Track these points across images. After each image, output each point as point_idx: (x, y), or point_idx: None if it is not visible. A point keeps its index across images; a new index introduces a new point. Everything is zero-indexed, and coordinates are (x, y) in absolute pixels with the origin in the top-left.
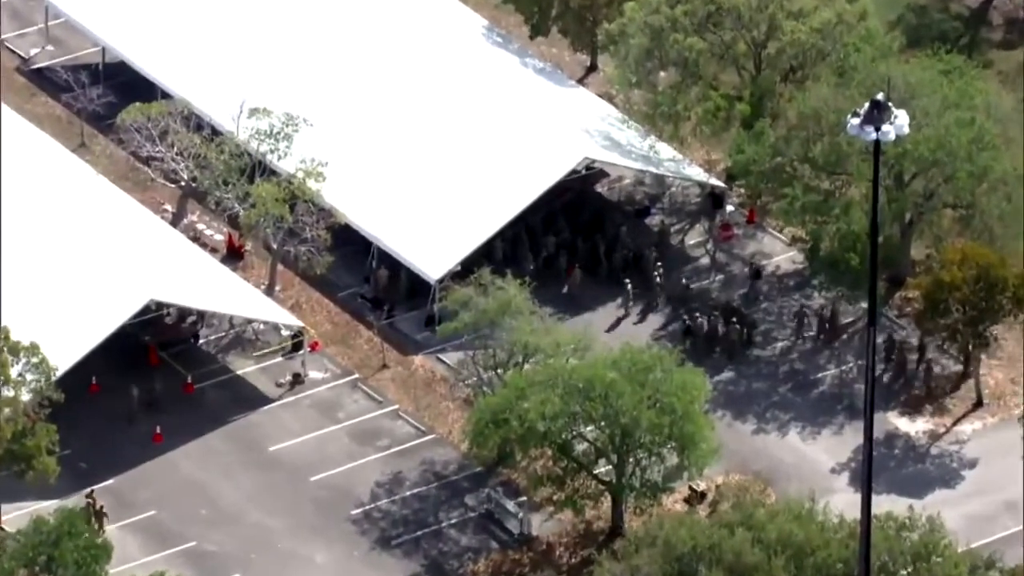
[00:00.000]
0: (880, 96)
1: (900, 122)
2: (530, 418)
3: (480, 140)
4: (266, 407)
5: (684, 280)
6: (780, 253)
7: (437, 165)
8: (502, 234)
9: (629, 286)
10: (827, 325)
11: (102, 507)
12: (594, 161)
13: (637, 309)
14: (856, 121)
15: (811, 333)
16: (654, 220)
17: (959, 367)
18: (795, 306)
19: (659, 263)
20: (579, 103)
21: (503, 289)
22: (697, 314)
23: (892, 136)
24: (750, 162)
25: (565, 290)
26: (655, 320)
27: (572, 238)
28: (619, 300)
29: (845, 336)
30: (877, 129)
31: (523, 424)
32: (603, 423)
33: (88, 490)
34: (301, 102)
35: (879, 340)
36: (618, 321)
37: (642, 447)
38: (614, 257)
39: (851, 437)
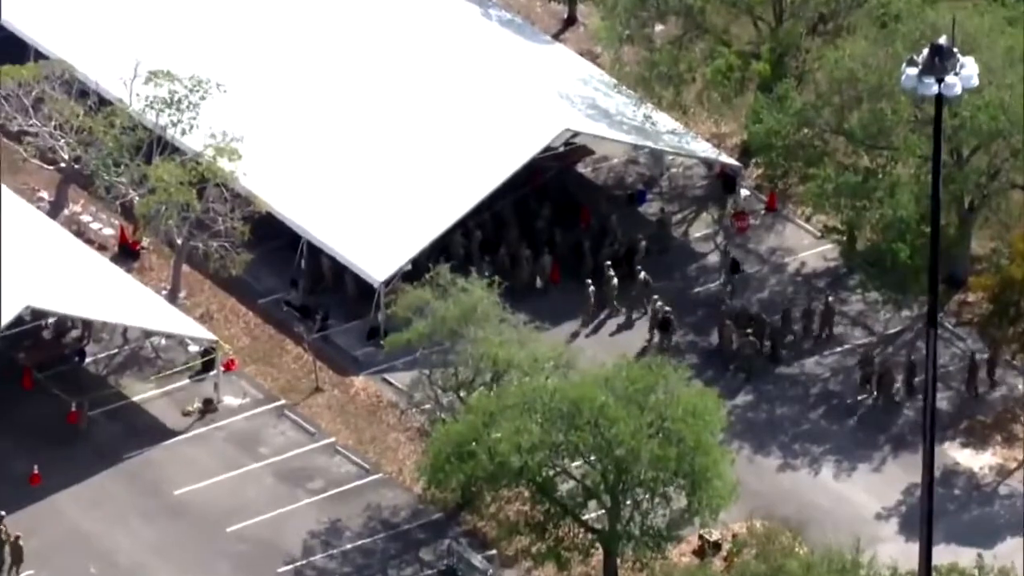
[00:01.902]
0: (943, 40)
1: (968, 72)
2: (501, 451)
3: (435, 110)
4: (170, 441)
5: (644, 275)
6: (808, 248)
7: (382, 142)
8: (463, 226)
9: (591, 289)
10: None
11: (17, 538)
12: (575, 134)
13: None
14: (913, 72)
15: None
16: (651, 207)
17: None
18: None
19: (639, 268)
20: (555, 63)
21: (466, 291)
22: (668, 308)
23: (958, 89)
24: (770, 134)
25: (540, 284)
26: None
27: (549, 229)
28: (596, 306)
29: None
30: (939, 81)
31: (493, 458)
32: (593, 456)
33: None
34: (212, 65)
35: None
36: (575, 335)
37: (642, 486)
38: (601, 252)
39: (900, 474)
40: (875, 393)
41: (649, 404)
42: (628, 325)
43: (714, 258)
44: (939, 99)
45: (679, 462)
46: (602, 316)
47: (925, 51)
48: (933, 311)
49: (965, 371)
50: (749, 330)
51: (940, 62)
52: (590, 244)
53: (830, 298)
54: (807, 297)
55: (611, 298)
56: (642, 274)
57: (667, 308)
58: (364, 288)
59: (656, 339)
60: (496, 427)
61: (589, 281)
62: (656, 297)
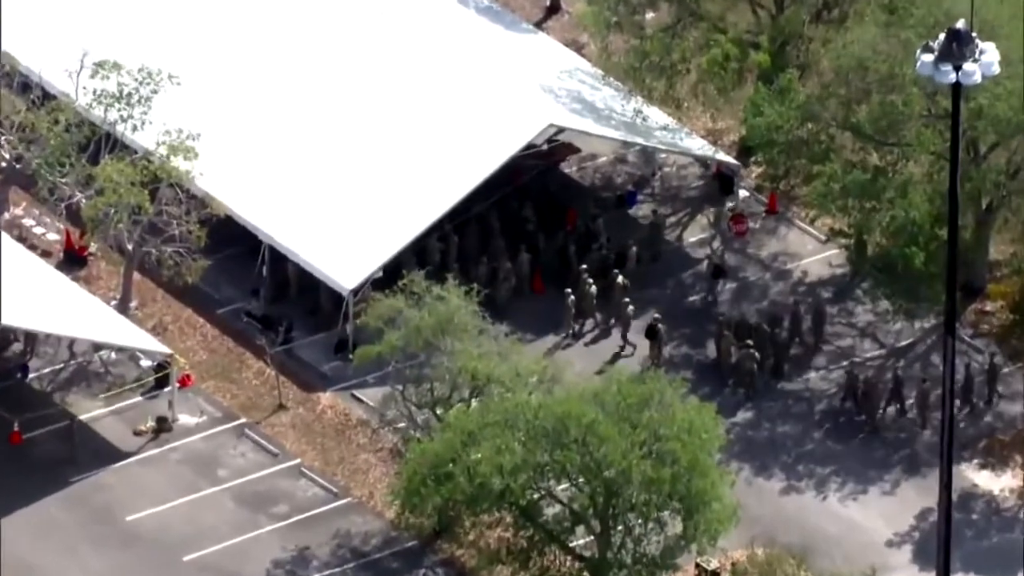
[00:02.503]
0: (961, 24)
1: (988, 58)
2: (482, 472)
3: (408, 105)
4: (121, 464)
5: (622, 279)
6: (812, 253)
7: (351, 140)
8: (438, 230)
9: (571, 299)
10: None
11: None
12: (559, 131)
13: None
14: (929, 58)
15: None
16: (642, 210)
17: None
18: (837, 330)
19: (616, 272)
20: (538, 54)
21: (442, 299)
22: (658, 316)
23: (977, 77)
24: (771, 130)
25: (512, 284)
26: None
27: (532, 234)
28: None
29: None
30: (957, 68)
31: (472, 480)
32: (581, 478)
33: None
34: (167, 56)
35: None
36: (557, 347)
37: (634, 510)
38: (588, 258)
39: (913, 497)
40: (858, 414)
41: (642, 421)
42: (609, 335)
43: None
44: (957, 88)
45: (674, 484)
46: (587, 326)
47: (941, 36)
48: (951, 318)
49: (966, 381)
50: (750, 341)
51: (958, 48)
52: (576, 250)
53: (822, 301)
54: (794, 300)
55: (591, 308)
56: (619, 278)
57: (656, 316)
58: (333, 298)
59: (629, 350)
60: (475, 447)
61: (569, 291)
62: (627, 300)
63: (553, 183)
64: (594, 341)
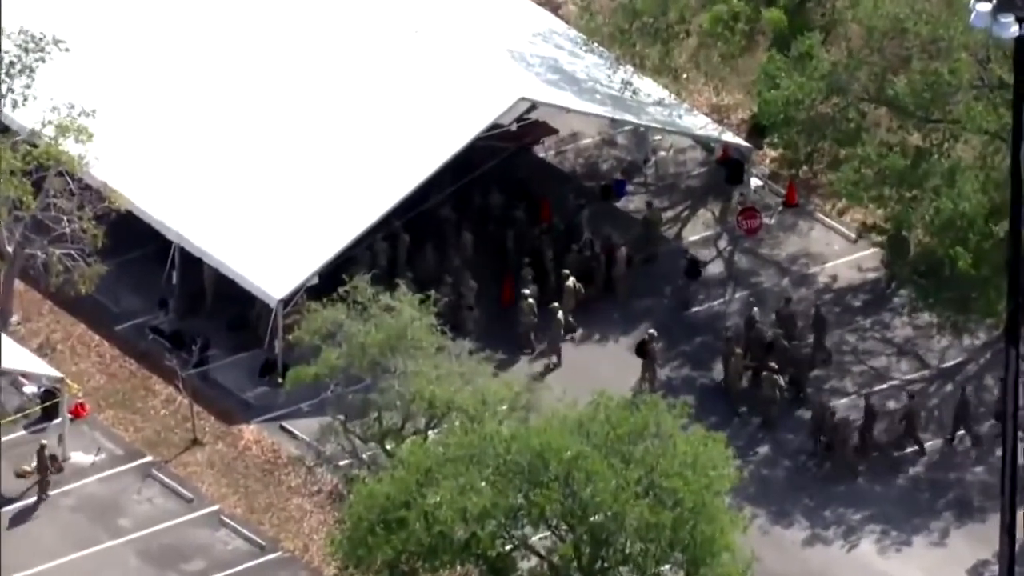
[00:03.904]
0: None
1: None
2: (442, 518)
3: (353, 81)
4: (1, 511)
5: (573, 281)
6: (840, 254)
7: (286, 122)
8: (386, 227)
9: (530, 299)
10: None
11: None
12: (532, 107)
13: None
14: (985, 8)
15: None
16: (632, 202)
17: None
18: (868, 346)
19: (566, 272)
20: (505, 14)
21: (392, 310)
22: (652, 331)
23: None
24: (788, 105)
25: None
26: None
27: (501, 228)
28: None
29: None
30: (1021, 20)
31: (430, 528)
32: (564, 524)
33: None
34: (61, 19)
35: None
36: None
37: (628, 562)
38: (567, 259)
39: (964, 548)
40: (826, 452)
41: (636, 455)
42: (602, 352)
43: (716, 268)
44: (1021, 44)
45: (676, 531)
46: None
47: None
48: (1015, 328)
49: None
50: (773, 363)
51: None
52: (553, 251)
53: (821, 306)
54: (784, 302)
55: (567, 319)
56: (570, 280)
57: (651, 331)
58: (259, 309)
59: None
60: (434, 487)
61: (556, 304)
62: (558, 307)
63: (524, 170)
64: (583, 362)
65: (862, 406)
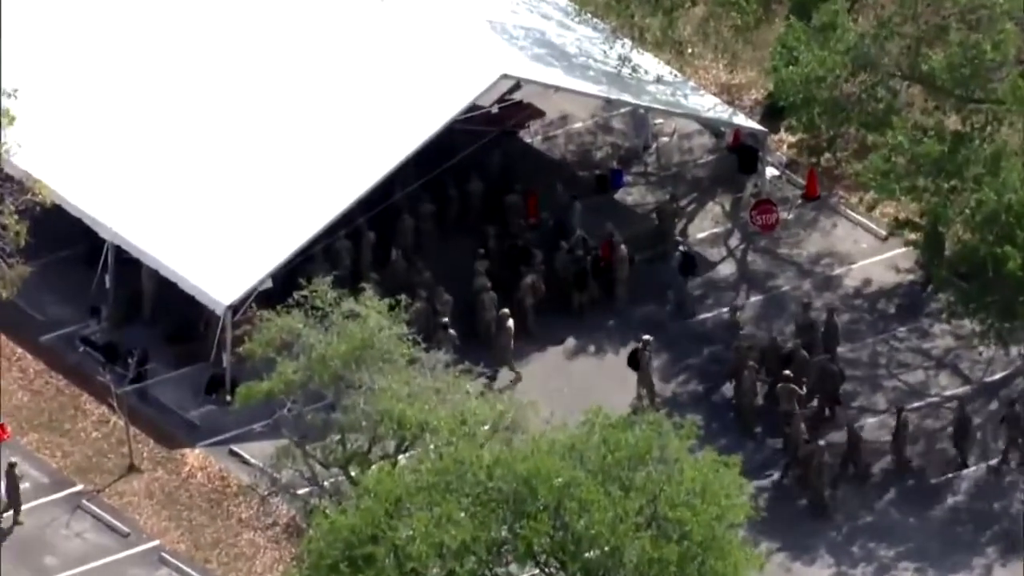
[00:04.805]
0: None
1: None
2: (414, 553)
3: (313, 53)
4: None
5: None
6: (868, 254)
7: (236, 104)
8: (348, 223)
9: (450, 330)
10: None
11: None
12: (516, 85)
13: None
14: None
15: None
16: (631, 194)
17: None
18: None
19: (526, 268)
20: None
21: (358, 316)
22: (648, 337)
23: None
24: (809, 82)
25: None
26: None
27: (478, 223)
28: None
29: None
30: None
31: (402, 565)
32: (554, 560)
33: None
34: None
35: None
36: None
37: None
38: (557, 258)
39: None
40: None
41: (636, 482)
42: (597, 365)
43: (727, 269)
44: None
45: (683, 567)
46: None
47: None
48: None
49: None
50: (788, 372)
51: None
52: (542, 250)
53: (834, 311)
54: (801, 308)
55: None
56: (529, 277)
57: (645, 337)
58: (205, 317)
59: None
60: (406, 519)
61: (490, 291)
62: (507, 313)
63: (509, 158)
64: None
65: (893, 424)
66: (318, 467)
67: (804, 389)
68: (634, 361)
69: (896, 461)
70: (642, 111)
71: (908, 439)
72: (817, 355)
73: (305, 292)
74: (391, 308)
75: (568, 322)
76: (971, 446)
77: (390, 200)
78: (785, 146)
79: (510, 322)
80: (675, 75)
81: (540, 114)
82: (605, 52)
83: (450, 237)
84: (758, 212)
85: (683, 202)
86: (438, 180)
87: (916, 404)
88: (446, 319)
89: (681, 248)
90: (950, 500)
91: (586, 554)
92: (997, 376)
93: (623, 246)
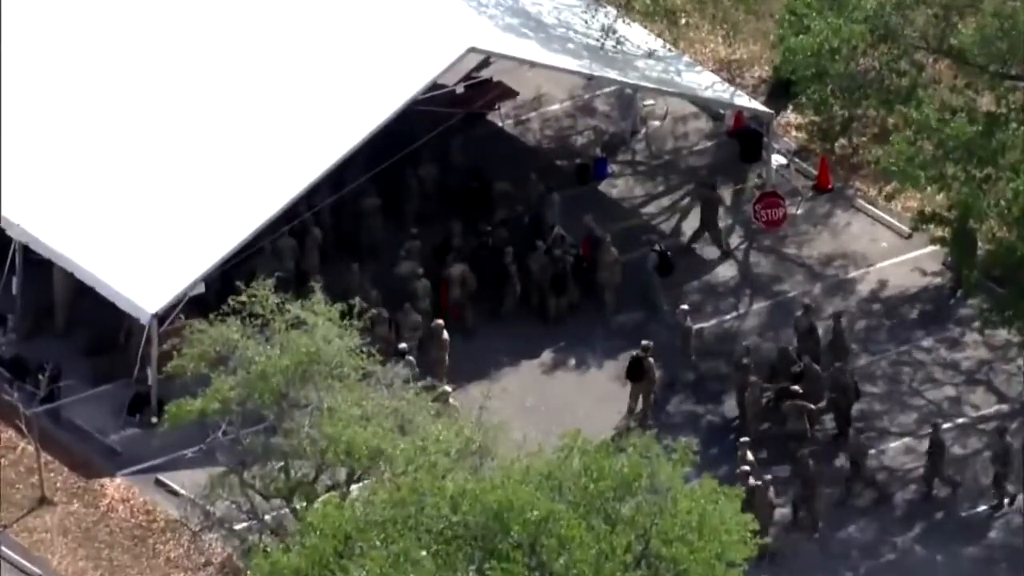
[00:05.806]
0: None
1: None
2: None
3: (255, 27)
4: None
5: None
6: (889, 254)
7: (166, 86)
8: (291, 219)
9: (408, 356)
10: None
11: None
12: (486, 61)
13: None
14: None
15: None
16: (618, 185)
17: None
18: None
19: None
20: None
21: (304, 324)
22: (647, 342)
23: None
24: (821, 55)
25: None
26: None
27: (440, 220)
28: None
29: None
30: None
31: None
32: None
33: None
34: None
35: None
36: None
37: None
38: (531, 259)
39: None
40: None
41: (624, 514)
42: (578, 382)
43: (728, 272)
44: None
45: None
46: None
47: None
48: None
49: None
50: (796, 387)
51: None
52: (514, 247)
53: (841, 318)
54: (802, 311)
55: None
56: (457, 268)
57: (645, 343)
58: (128, 327)
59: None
60: (358, 558)
61: (422, 277)
62: (439, 322)
63: (477, 143)
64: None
65: (924, 449)
66: (257, 498)
67: (816, 406)
68: (635, 371)
69: (935, 484)
70: (629, 90)
71: (945, 463)
72: (824, 366)
73: (243, 297)
74: (343, 315)
75: (545, 332)
76: (1012, 475)
77: (340, 193)
78: (793, 130)
79: (445, 334)
80: (667, 49)
81: (513, 94)
82: (587, 22)
83: (406, 235)
84: (763, 206)
85: (664, 197)
86: (394, 169)
87: (945, 425)
88: (404, 345)
89: (656, 247)
90: (984, 537)
91: None
92: None
93: (611, 245)
